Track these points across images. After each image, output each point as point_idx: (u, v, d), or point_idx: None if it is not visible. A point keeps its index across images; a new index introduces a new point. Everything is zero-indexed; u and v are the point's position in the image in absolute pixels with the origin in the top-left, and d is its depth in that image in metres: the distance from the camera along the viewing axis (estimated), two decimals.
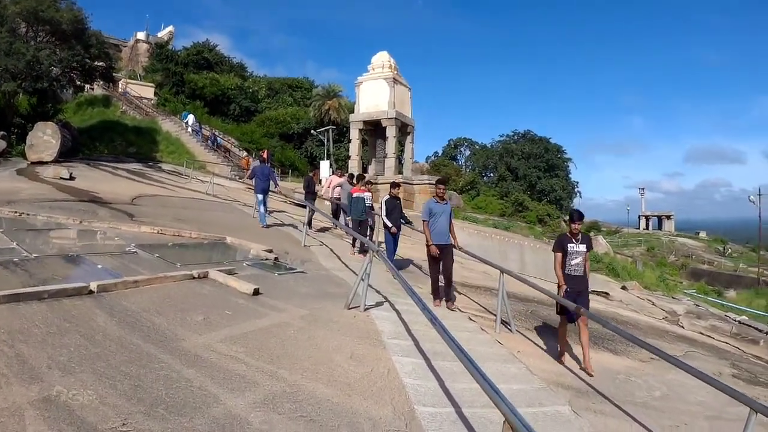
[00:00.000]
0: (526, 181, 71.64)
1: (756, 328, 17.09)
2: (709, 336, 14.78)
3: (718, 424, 7.23)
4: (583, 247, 8.43)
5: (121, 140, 41.10)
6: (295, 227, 17.48)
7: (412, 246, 17.64)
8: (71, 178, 22.19)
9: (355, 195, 14.88)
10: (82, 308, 6.26)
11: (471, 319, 9.99)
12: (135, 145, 41.02)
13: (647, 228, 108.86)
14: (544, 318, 11.66)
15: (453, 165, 77.02)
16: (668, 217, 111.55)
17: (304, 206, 17.46)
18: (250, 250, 11.91)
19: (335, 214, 18.15)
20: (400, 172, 35.33)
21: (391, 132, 34.45)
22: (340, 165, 39.05)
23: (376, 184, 28.23)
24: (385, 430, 4.59)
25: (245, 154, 40.45)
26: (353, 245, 15.06)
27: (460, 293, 12.40)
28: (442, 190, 10.88)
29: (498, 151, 78.68)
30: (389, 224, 12.91)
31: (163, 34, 77.88)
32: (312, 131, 51.80)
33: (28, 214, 13.05)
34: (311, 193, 18.61)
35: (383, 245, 12.90)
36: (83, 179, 22.57)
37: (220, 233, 13.47)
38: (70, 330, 5.52)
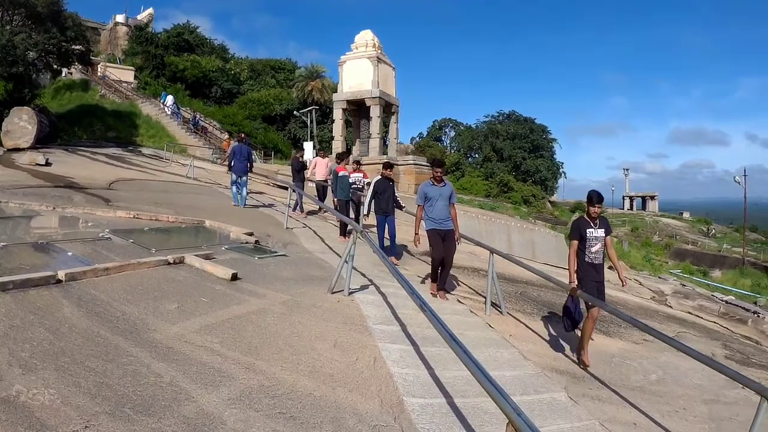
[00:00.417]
0: (511, 161, 71.94)
1: (743, 308, 17.25)
2: (698, 316, 14.73)
3: (717, 408, 6.99)
4: (602, 232, 7.68)
5: (101, 125, 40.55)
6: (274, 207, 17.16)
7: (408, 230, 17.29)
8: (47, 164, 21.64)
9: (340, 174, 14.49)
10: (49, 299, 5.85)
11: (460, 302, 9.69)
12: (114, 129, 40.48)
13: (631, 208, 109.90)
14: (534, 299, 11.41)
15: (438, 146, 77.76)
16: (652, 198, 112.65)
17: (285, 188, 17.06)
18: (229, 234, 11.49)
19: (321, 197, 17.75)
20: (385, 153, 35.09)
21: (375, 112, 34.09)
22: (323, 147, 38.67)
23: (360, 164, 27.84)
24: (372, 426, 4.25)
25: (227, 136, 40.11)
26: (341, 231, 14.52)
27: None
28: (438, 172, 9.90)
29: (483, 131, 78.88)
30: (366, 210, 12.59)
31: (143, 16, 76.72)
32: (295, 113, 51.53)
33: None
34: (301, 176, 18.03)
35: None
36: (60, 165, 22.01)
37: (199, 216, 13.05)
38: (35, 323, 5.13)
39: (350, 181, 14.73)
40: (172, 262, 8.02)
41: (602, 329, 10.06)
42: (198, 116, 47.08)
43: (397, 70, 37.70)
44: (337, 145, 35.08)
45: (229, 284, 7.49)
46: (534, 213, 53.96)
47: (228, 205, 17.04)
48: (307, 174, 17.92)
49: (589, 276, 7.59)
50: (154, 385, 4.22)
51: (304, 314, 6.76)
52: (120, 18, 71.66)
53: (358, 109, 36.43)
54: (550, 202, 76.12)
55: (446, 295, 9.84)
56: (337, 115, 36.18)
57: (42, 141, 28.38)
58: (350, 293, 8.09)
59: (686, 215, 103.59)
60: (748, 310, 16.77)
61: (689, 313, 14.98)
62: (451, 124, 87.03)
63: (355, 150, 36.44)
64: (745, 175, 53.68)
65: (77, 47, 34.39)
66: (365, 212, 12.64)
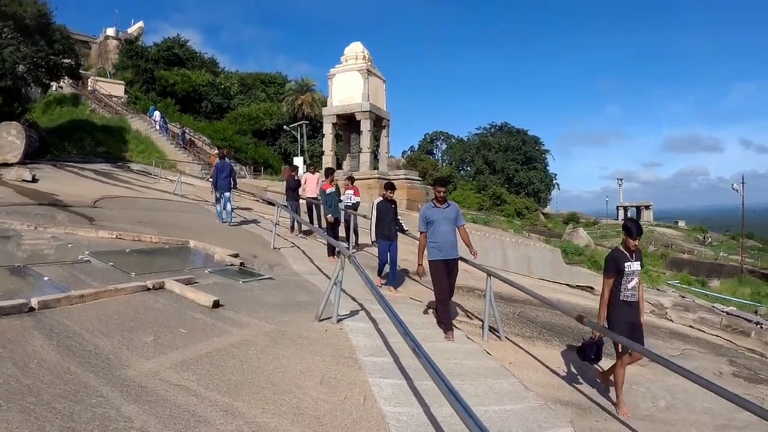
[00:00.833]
0: (504, 174, 72.38)
1: (745, 319, 17.02)
2: (700, 329, 14.43)
3: None
4: (638, 266, 6.91)
5: (90, 140, 40.24)
6: (261, 225, 16.83)
7: (411, 250, 16.89)
8: (34, 180, 21.27)
9: (328, 191, 14.11)
10: (19, 329, 5.50)
11: (456, 327, 9.24)
12: (104, 144, 40.15)
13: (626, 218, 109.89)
14: (533, 320, 11.02)
15: (429, 159, 78.00)
16: (647, 207, 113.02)
17: (273, 204, 16.71)
18: (214, 255, 11.14)
19: (311, 215, 17.49)
20: (376, 168, 34.71)
21: (365, 126, 33.69)
22: (314, 162, 38.43)
23: (350, 179, 27.55)
24: None
25: (215, 151, 40.02)
26: (329, 251, 14.12)
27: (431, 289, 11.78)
28: (441, 192, 8.76)
29: (475, 144, 79.62)
30: (374, 236, 11.63)
31: (133, 30, 76.60)
32: (285, 127, 51.33)
33: None
34: (296, 194, 17.53)
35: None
36: (47, 181, 21.66)
37: (184, 236, 12.69)
38: (3, 356, 4.79)
39: (350, 202, 14.33)
40: (151, 287, 7.65)
41: (606, 352, 9.71)
42: (187, 131, 46.73)
43: (387, 82, 37.39)
44: (328, 160, 34.73)
45: (211, 312, 7.11)
46: (528, 226, 53.97)
47: (214, 223, 16.71)
48: (303, 192, 17.53)
49: (624, 317, 6.83)
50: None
51: (289, 346, 6.38)
52: (110, 31, 71.54)
53: (348, 123, 36.01)
54: (543, 214, 76.65)
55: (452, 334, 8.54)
56: (327, 129, 35.75)
57: (31, 156, 27.99)
58: (339, 320, 7.72)
59: (681, 224, 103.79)
60: (750, 321, 16.61)
61: (691, 326, 14.70)
62: (442, 137, 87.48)
63: (346, 165, 36.13)
64: (743, 183, 53.61)
65: (66, 61, 34.05)
66: (372, 238, 11.80)
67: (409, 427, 4.82)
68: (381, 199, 11.65)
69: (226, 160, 17.77)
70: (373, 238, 11.62)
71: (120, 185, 24.62)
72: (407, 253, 13.68)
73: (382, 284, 11.42)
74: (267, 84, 68.13)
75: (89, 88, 54.10)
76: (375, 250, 12.57)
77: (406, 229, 12.55)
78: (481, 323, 9.25)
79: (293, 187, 17.43)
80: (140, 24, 79.52)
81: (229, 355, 5.74)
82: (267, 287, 9.35)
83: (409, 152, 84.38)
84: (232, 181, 16.85)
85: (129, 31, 75.60)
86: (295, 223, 16.84)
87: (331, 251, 13.73)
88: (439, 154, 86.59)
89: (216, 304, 7.33)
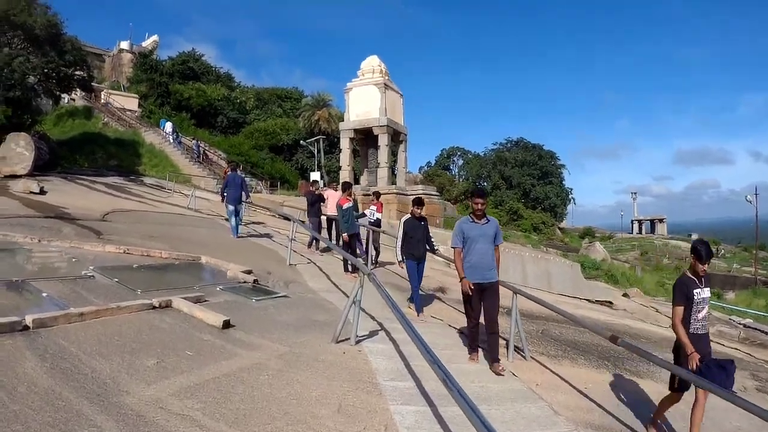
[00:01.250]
0: (521, 189, 72.95)
1: (762, 331, 16.91)
2: (719, 343, 14.20)
3: None
4: (708, 292, 6.33)
5: (103, 153, 40.34)
6: (276, 240, 16.67)
7: (434, 268, 16.46)
8: (42, 192, 21.20)
9: (345, 206, 13.76)
10: (11, 349, 5.19)
11: (480, 346, 8.84)
12: (117, 157, 40.26)
13: (640, 232, 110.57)
14: (557, 338, 10.75)
15: (446, 175, 78.43)
16: (661, 221, 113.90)
17: (289, 219, 16.42)
18: (226, 272, 10.81)
19: (331, 231, 17.27)
20: (394, 183, 34.50)
21: (383, 140, 33.54)
22: (333, 177, 38.20)
23: (368, 195, 27.26)
24: None
25: (226, 164, 40.05)
26: (345, 267, 13.79)
27: (452, 307, 11.68)
28: (480, 205, 7.83)
29: (491, 159, 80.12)
30: (399, 257, 10.87)
31: (148, 43, 77.11)
32: (302, 142, 51.27)
33: None
34: (315, 210, 17.15)
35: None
36: (55, 194, 21.57)
37: (196, 252, 12.42)
38: None
39: (372, 218, 14.41)
40: (157, 306, 7.31)
41: (631, 369, 9.42)
42: (201, 144, 46.72)
43: (404, 96, 37.20)
44: (345, 175, 34.45)
45: (220, 333, 6.77)
46: (545, 240, 54.42)
47: (228, 238, 16.53)
48: (326, 210, 17.18)
49: (695, 348, 6.08)
50: None
51: (304, 370, 6.02)
52: (124, 45, 72.08)
53: (365, 138, 35.85)
54: (559, 228, 76.75)
55: (501, 369, 7.65)
56: (345, 144, 35.60)
57: (41, 168, 27.98)
58: (357, 341, 7.39)
59: (695, 236, 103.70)
60: (767, 333, 16.54)
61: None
62: (459, 153, 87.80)
63: (363, 180, 36.03)
64: (756, 194, 54.68)
65: (78, 73, 34.10)
66: (397, 258, 11.04)
67: None
68: (408, 216, 11.02)
69: (238, 172, 17.61)
70: (399, 258, 10.91)
71: (132, 199, 24.50)
72: (426, 269, 13.32)
73: (417, 315, 10.62)
74: (283, 99, 68.55)
75: (102, 101, 54.43)
76: (395, 267, 12.23)
77: (436, 248, 11.91)
78: (505, 342, 8.86)
79: (312, 202, 17.10)
80: (155, 38, 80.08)
81: (239, 380, 5.38)
82: (281, 306, 9.06)
83: (426, 167, 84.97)
84: (243, 194, 16.77)
85: (143, 44, 76.10)
86: (314, 239, 16.53)
87: (347, 267, 13.49)
88: (456, 170, 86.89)
89: (226, 324, 6.99)
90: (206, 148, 47.33)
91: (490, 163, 78.94)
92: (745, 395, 8.39)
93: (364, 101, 34.24)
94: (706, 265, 6.20)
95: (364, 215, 16.02)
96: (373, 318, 9.02)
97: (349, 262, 12.37)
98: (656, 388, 8.39)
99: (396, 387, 6.05)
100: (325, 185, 23.08)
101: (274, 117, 62.44)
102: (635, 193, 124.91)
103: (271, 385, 5.41)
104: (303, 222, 16.00)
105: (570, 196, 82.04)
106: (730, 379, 6.09)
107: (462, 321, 9.71)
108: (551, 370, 8.43)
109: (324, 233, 17.30)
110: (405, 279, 11.96)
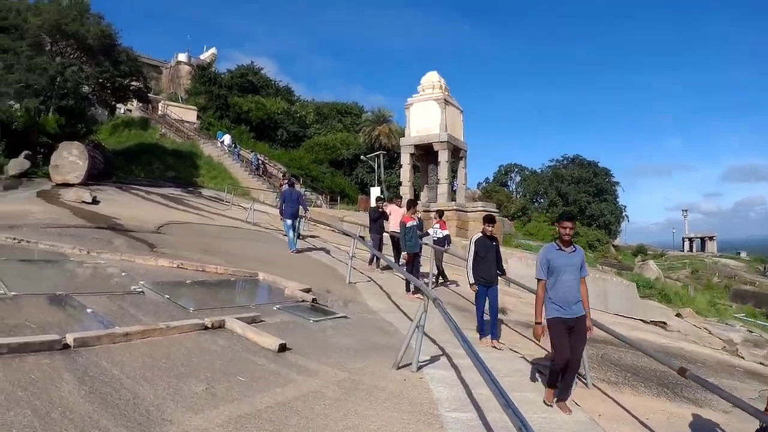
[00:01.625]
0: (576, 206, 74.29)
1: None
2: None
3: None
4: None
5: (159, 163, 40.96)
6: (336, 257, 16.46)
7: (507, 291, 15.79)
8: (94, 201, 21.39)
9: (408, 224, 13.25)
10: (48, 370, 4.91)
11: (540, 372, 8.29)
12: (174, 169, 40.81)
13: (691, 250, 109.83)
14: (616, 363, 10.28)
15: (504, 191, 79.59)
16: (711, 238, 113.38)
17: (348, 235, 16.05)
18: (284, 290, 10.52)
19: (396, 249, 16.36)
20: (453, 199, 34.24)
21: (443, 156, 33.47)
22: (393, 193, 37.98)
23: (428, 211, 26.85)
24: None
25: (281, 176, 40.12)
26: (407, 287, 13.34)
27: (513, 330, 11.41)
28: (569, 230, 6.88)
29: (548, 176, 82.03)
30: (471, 279, 9.99)
31: (206, 56, 78.40)
32: (362, 157, 51.35)
33: (27, 242, 11.82)
34: (377, 226, 16.57)
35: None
36: (108, 203, 21.76)
37: (253, 267, 12.24)
38: (22, 402, 4.19)
39: (437, 237, 14.34)
40: (209, 326, 7.00)
41: (689, 396, 8.98)
42: (261, 157, 46.98)
43: (465, 112, 37.03)
44: (405, 191, 34.32)
45: (275, 357, 6.42)
46: (600, 258, 55.10)
47: (286, 254, 16.38)
48: (389, 226, 16.67)
49: None
50: None
51: (362, 399, 5.65)
52: (182, 57, 73.34)
53: (425, 154, 35.88)
54: (613, 246, 76.96)
55: (569, 407, 6.88)
56: (405, 159, 35.57)
57: (95, 177, 28.36)
58: (419, 368, 7.03)
59: (743, 254, 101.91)
60: None
61: (761, 363, 14.34)
62: (516, 169, 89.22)
63: (423, 196, 36.12)
64: None
65: (134, 83, 34.54)
66: (469, 281, 10.13)
67: None
68: (480, 235, 10.28)
69: (296, 187, 17.46)
70: (471, 281, 10.07)
71: (189, 211, 24.63)
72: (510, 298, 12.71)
73: (480, 340, 9.84)
74: (343, 114, 69.12)
75: (159, 112, 55.58)
76: (458, 288, 11.79)
77: (504, 272, 10.97)
78: None
79: (374, 218, 16.70)
80: (213, 50, 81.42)
81: (293, 410, 5.00)
82: (340, 327, 8.75)
83: (484, 183, 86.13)
84: (302, 208, 16.71)
85: (201, 57, 77.42)
86: (374, 256, 16.16)
87: (408, 287, 13.16)
88: (513, 186, 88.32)
89: (282, 348, 6.65)
90: (266, 161, 47.59)
91: (547, 179, 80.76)
92: None
93: (425, 117, 34.30)
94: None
95: (427, 234, 15.85)
96: (434, 341, 8.72)
97: (411, 283, 11.83)
98: (712, 415, 8.12)
99: (458, 419, 5.73)
100: (385, 201, 22.74)
101: (334, 131, 62.85)
102: (686, 210, 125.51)
103: (327, 416, 5.04)
104: (363, 238, 15.68)
105: (624, 214, 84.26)
106: None
107: (523, 345, 9.84)
108: (613, 399, 8.04)
109: (386, 250, 16.85)
110: (463, 297, 11.50)
